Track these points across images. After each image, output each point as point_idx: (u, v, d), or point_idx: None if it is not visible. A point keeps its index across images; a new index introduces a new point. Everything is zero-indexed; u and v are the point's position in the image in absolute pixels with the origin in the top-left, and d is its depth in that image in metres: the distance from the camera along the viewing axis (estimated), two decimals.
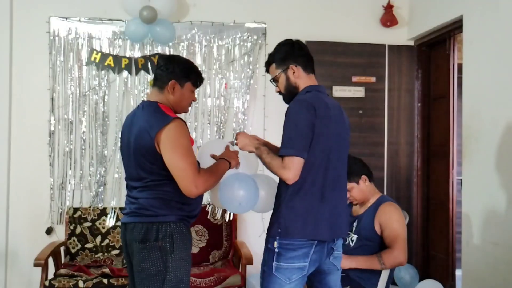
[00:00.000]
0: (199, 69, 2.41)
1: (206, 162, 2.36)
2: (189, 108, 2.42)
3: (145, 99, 2.46)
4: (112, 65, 4.11)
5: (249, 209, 2.42)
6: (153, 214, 2.18)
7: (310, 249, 2.15)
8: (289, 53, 2.29)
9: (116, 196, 4.12)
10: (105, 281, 3.44)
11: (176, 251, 2.17)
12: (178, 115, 2.28)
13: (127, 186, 2.32)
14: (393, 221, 2.74)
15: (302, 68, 2.28)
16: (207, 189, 2.20)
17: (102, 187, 4.11)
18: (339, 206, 2.25)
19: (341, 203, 2.28)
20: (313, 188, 2.16)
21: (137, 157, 2.20)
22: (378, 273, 2.76)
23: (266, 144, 2.39)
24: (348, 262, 2.72)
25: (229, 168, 2.33)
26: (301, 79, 2.28)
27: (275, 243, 2.16)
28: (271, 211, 2.31)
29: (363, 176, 2.86)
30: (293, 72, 2.27)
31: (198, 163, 2.32)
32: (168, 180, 2.15)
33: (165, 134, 2.12)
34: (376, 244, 2.79)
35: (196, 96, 2.43)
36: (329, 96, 2.34)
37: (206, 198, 3.87)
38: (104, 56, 4.11)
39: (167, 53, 4.15)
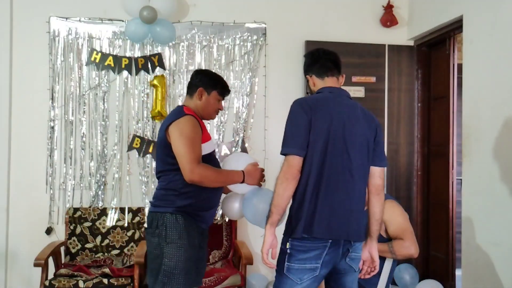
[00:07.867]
0: (203, 71, 2.74)
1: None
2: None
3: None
4: (112, 65, 4.11)
5: None
6: (156, 204, 2.50)
7: (323, 250, 2.13)
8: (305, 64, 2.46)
9: (116, 196, 4.12)
10: (105, 281, 3.44)
11: (170, 240, 2.42)
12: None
13: None
14: (396, 216, 2.74)
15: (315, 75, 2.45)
16: (203, 181, 2.39)
17: (102, 187, 4.11)
18: (339, 207, 2.14)
19: (342, 204, 2.15)
20: (307, 188, 2.13)
21: (156, 149, 2.58)
22: (378, 273, 2.76)
23: None
24: None
25: (241, 182, 2.52)
26: (316, 86, 2.43)
27: (288, 244, 2.15)
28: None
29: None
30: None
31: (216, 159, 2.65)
32: (171, 170, 2.44)
33: (175, 125, 2.41)
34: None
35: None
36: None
37: None
38: (104, 56, 4.11)
39: (167, 53, 4.19)
